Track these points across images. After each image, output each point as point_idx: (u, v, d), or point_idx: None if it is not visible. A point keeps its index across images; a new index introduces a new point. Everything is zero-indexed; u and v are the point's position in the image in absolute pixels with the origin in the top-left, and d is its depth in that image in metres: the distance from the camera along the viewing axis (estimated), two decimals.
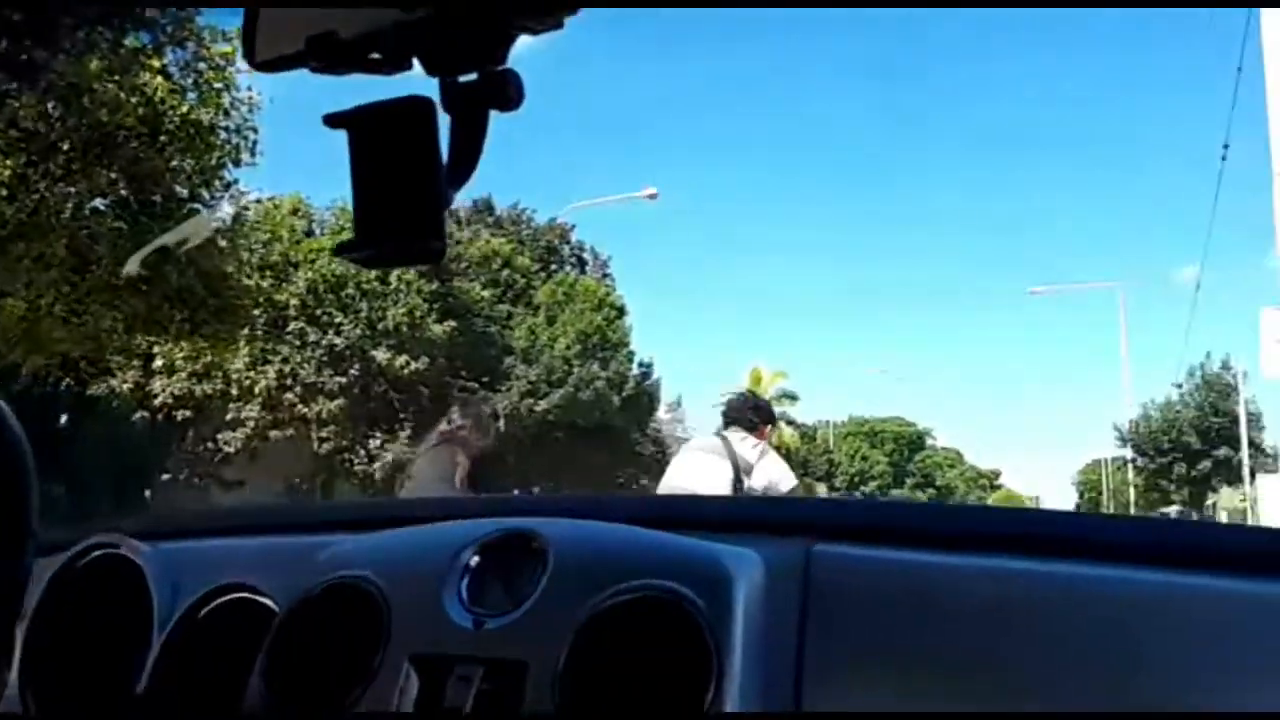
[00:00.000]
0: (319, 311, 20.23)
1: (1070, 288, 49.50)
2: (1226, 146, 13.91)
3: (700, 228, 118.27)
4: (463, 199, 30.47)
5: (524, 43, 0.84)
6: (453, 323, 21.65)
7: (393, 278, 20.80)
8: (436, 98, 0.82)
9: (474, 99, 0.81)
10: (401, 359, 20.38)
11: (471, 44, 0.81)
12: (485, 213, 29.24)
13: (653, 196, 29.01)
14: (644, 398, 27.06)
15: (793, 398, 47.91)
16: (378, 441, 21.65)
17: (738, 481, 4.57)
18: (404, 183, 0.81)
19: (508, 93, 0.81)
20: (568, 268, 28.87)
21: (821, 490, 49.85)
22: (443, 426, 5.01)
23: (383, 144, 0.82)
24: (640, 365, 27.33)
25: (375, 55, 0.82)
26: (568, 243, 29.59)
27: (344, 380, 20.48)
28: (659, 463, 32.91)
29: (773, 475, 4.70)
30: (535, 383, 23.16)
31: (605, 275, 29.18)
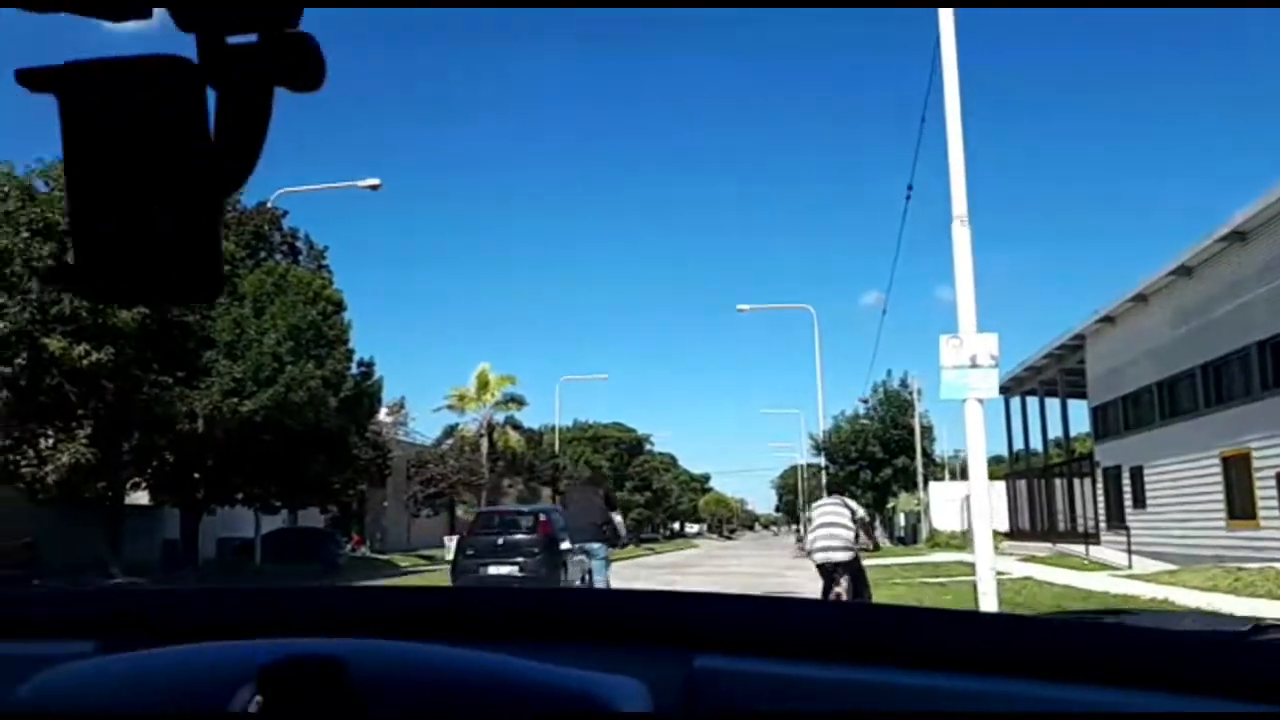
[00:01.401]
0: None
1: (772, 307, 52.75)
2: (910, 188, 15.36)
3: (429, 225, 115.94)
4: None
5: None
6: (144, 310, 19.38)
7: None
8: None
9: (251, 70, 0.54)
10: (81, 348, 17.94)
11: None
12: None
13: (375, 187, 27.72)
14: (364, 399, 25.64)
15: (520, 402, 47.76)
16: (50, 441, 18.95)
17: (853, 518, 9.56)
18: (152, 179, 0.53)
19: (300, 65, 0.54)
20: (278, 256, 26.89)
21: (545, 494, 49.95)
22: (586, 475, 9.56)
23: (118, 119, 0.53)
24: (360, 364, 25.89)
25: None
26: (278, 229, 27.56)
27: (8, 371, 17.75)
28: (379, 468, 31.56)
29: (863, 511, 10.24)
30: (241, 380, 21.22)
31: (321, 266, 27.45)
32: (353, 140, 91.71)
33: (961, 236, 10.47)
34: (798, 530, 65.03)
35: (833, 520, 9.56)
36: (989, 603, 10.77)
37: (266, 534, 27.58)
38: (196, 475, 23.58)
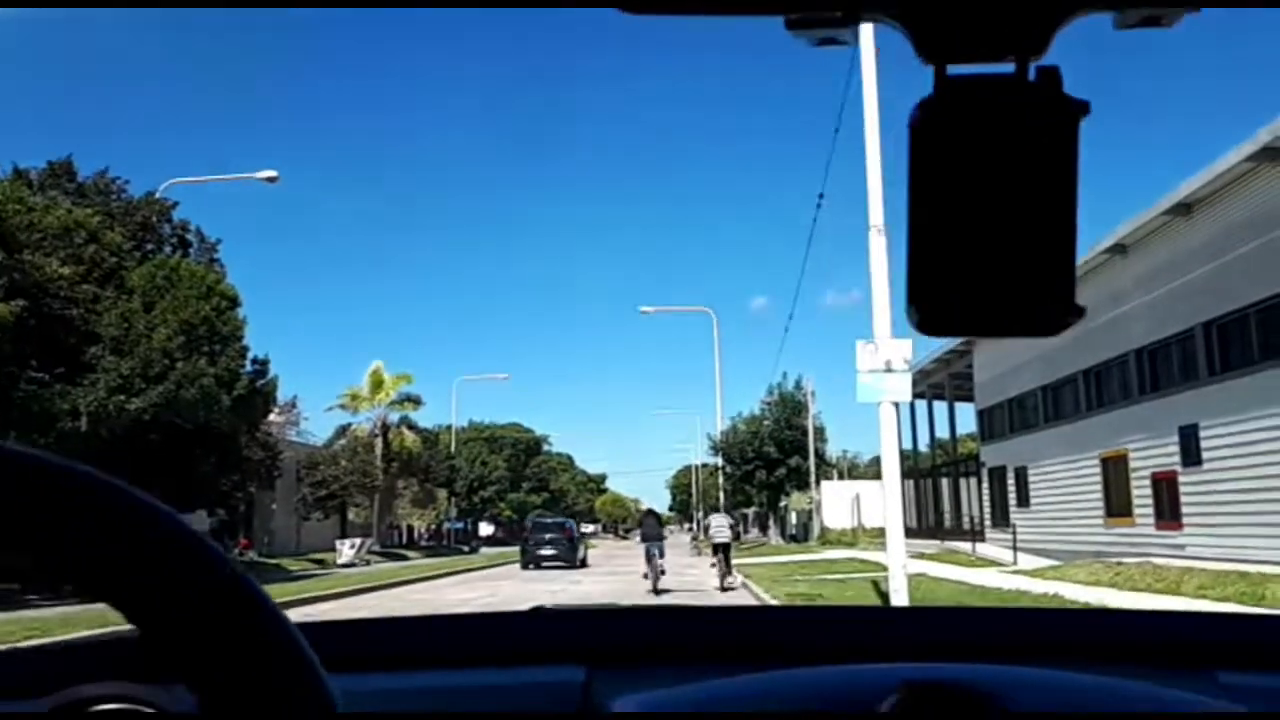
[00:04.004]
0: None
1: (674, 309, 53.65)
2: (822, 196, 15.86)
3: (326, 220, 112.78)
4: (37, 160, 26.32)
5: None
6: (22, 302, 18.37)
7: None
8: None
9: (999, 107, 0.51)
10: None
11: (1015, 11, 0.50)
12: (65, 178, 25.33)
13: (272, 180, 26.84)
14: (257, 398, 24.79)
15: (416, 401, 46.89)
16: None
17: (731, 525, 22.08)
18: (1014, 205, 0.52)
19: (1054, 101, 0.51)
20: (168, 249, 25.77)
21: (442, 495, 49.17)
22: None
23: (983, 139, 0.52)
24: (254, 361, 25.02)
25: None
26: (168, 221, 26.41)
27: None
28: (269, 469, 30.53)
29: (732, 521, 24.11)
30: (128, 377, 20.26)
31: (214, 260, 26.42)
32: (249, 132, 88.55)
33: (878, 245, 10.80)
34: (692, 530, 65.86)
35: (724, 524, 20.63)
36: (901, 600, 11.10)
37: None
38: None
